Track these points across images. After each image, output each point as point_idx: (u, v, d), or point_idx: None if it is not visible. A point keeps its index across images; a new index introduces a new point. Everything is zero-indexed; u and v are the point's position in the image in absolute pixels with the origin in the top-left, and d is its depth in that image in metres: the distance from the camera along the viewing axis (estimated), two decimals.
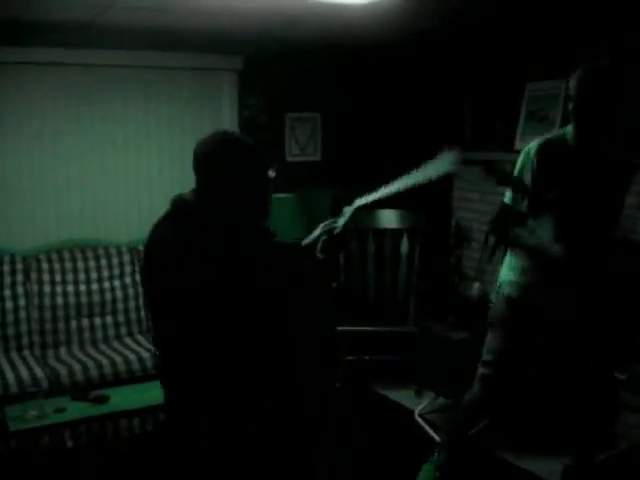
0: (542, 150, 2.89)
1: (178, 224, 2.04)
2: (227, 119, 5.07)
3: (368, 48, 4.98)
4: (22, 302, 4.28)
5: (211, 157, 2.07)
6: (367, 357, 4.71)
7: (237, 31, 4.50)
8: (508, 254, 3.13)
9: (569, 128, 2.91)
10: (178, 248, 1.98)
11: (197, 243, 1.97)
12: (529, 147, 2.95)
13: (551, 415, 3.78)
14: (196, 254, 1.95)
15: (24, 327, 4.26)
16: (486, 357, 3.16)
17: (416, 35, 4.67)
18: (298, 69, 5.16)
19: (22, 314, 4.26)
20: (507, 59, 4.80)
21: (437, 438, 3.90)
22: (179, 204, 2.10)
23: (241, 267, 1.98)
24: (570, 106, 2.79)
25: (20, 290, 4.29)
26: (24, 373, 3.83)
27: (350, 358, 4.70)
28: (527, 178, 2.91)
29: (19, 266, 4.32)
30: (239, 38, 4.69)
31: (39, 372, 3.87)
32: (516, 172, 2.99)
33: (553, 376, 3.64)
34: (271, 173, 2.13)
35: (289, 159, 5.40)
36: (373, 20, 4.02)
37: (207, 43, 4.72)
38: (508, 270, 3.10)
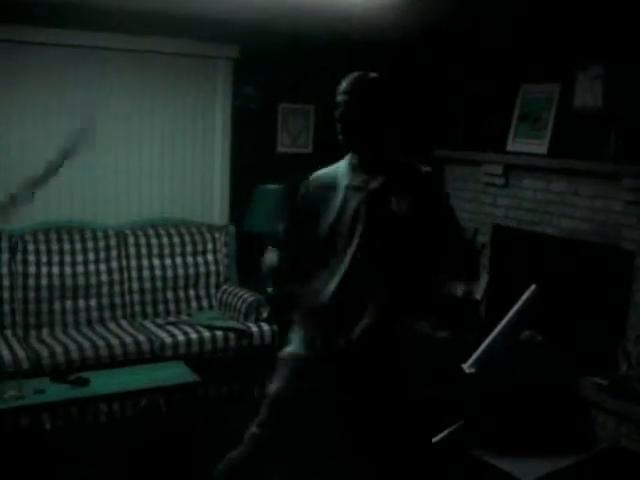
0: (312, 183, 2.81)
1: None
2: (220, 107, 5.06)
3: (364, 44, 4.97)
4: (6, 282, 4.24)
5: None
6: None
7: (235, 20, 4.49)
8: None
9: (341, 163, 2.77)
10: None
11: None
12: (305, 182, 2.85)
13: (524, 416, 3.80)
14: None
15: (7, 307, 4.23)
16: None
17: (413, 34, 4.67)
18: (294, 60, 5.15)
19: (5, 294, 4.23)
20: (502, 60, 4.81)
21: None
22: None
23: None
24: (338, 112, 2.65)
25: (4, 270, 4.26)
26: (5, 352, 3.81)
27: None
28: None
29: (4, 245, 4.29)
30: (236, 27, 4.68)
31: (20, 352, 3.84)
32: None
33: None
34: None
35: (280, 150, 5.38)
36: (371, 17, 4.02)
37: (204, 30, 4.70)
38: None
